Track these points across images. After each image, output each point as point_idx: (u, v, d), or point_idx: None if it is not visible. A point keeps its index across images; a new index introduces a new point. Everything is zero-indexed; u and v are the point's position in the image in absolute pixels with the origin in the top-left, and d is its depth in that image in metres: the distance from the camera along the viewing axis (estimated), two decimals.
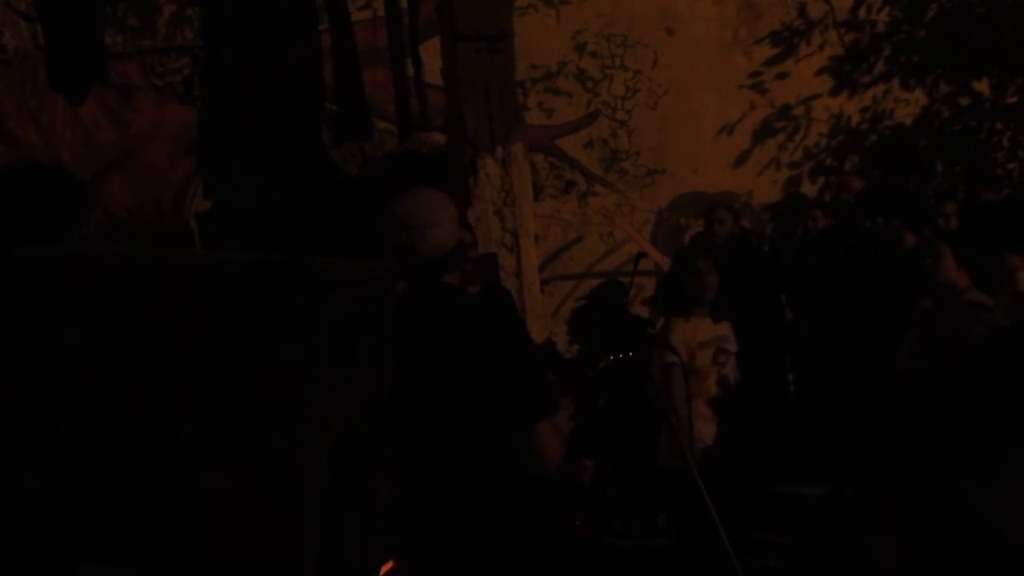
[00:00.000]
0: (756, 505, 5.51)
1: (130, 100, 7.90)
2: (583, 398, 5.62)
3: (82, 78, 7.59)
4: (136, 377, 1.57)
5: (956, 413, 1.44)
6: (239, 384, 1.57)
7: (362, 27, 8.09)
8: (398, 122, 8.05)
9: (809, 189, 8.40)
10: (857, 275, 5.99)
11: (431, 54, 7.63)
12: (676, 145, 8.30)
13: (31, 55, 7.55)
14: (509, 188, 6.73)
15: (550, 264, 8.08)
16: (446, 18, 6.76)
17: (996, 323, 4.92)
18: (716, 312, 4.81)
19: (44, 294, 1.59)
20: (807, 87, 8.47)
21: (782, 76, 8.41)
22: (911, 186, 7.11)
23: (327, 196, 7.76)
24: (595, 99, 8.31)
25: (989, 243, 5.08)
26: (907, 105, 8.58)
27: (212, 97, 7.92)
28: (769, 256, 7.43)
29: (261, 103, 7.65)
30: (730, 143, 8.37)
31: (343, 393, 2.10)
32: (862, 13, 8.59)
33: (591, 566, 4.78)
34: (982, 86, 8.63)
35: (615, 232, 8.34)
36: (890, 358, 4.90)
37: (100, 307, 1.55)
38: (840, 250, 6.28)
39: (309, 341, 1.61)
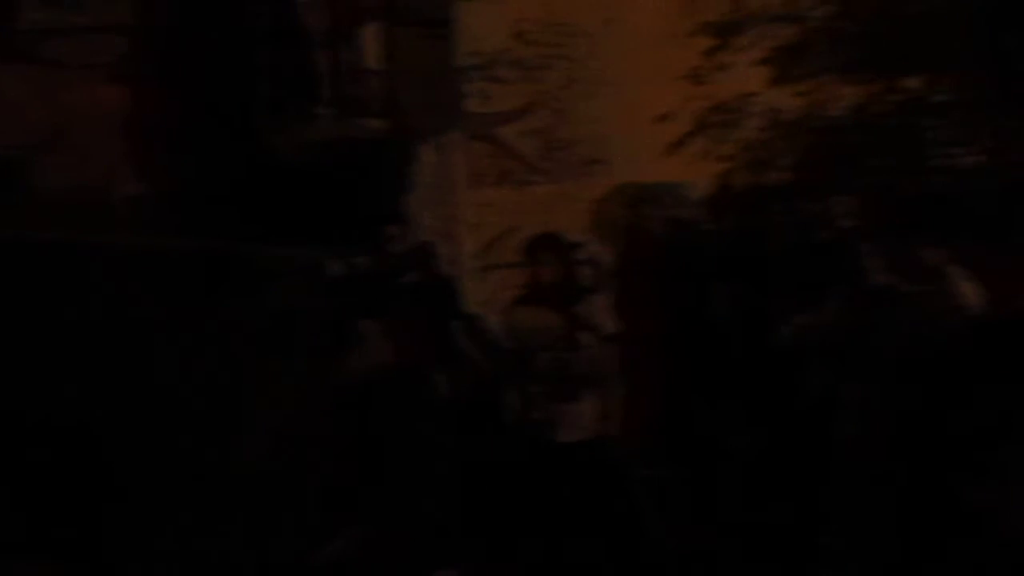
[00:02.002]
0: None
1: (60, 79, 7.72)
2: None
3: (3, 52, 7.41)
4: (64, 369, 1.53)
5: (945, 416, 1.48)
6: (172, 376, 1.54)
7: (303, 9, 8.01)
8: (336, 107, 7.97)
9: (745, 181, 8.50)
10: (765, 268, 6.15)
11: (370, 38, 7.57)
12: (614, 135, 8.34)
13: None
14: (447, 177, 6.74)
15: (486, 253, 8.08)
16: (386, 2, 6.73)
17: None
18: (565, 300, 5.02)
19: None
20: (745, 80, 8.55)
21: (720, 69, 8.48)
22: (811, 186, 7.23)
23: (263, 181, 7.68)
24: (534, 88, 8.31)
25: (911, 238, 5.24)
26: (840, 101, 8.70)
27: (147, 77, 7.79)
28: (702, 248, 7.53)
29: (196, 83, 7.54)
30: (668, 134, 8.43)
31: (280, 382, 2.09)
32: (799, 7, 8.71)
33: None
34: (914, 82, 8.78)
35: (552, 222, 8.35)
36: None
37: (24, 298, 1.52)
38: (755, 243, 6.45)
39: (244, 332, 1.59)
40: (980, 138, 8.64)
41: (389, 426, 4.06)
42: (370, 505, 3.95)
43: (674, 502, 5.39)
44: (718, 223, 8.38)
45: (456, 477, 4.16)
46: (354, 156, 7.42)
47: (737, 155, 8.57)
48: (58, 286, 1.38)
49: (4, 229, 2.43)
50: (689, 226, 8.34)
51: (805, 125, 8.68)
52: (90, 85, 7.80)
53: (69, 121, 7.75)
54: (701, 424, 6.70)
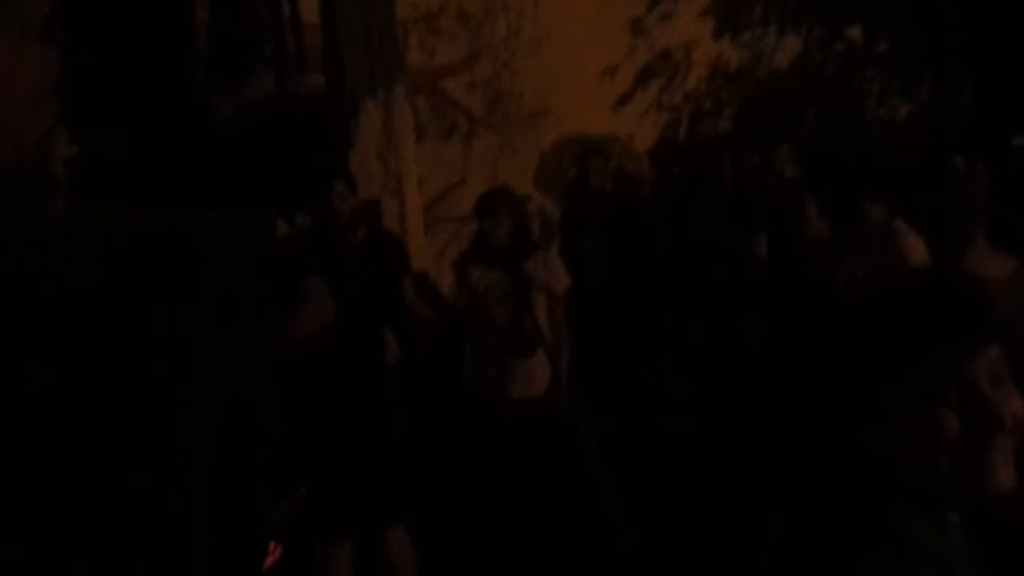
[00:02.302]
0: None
1: None
2: None
3: None
4: (13, 351, 1.48)
5: (840, 362, 1.50)
6: (123, 355, 1.50)
7: None
8: (275, 63, 7.81)
9: (689, 132, 8.50)
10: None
11: None
12: (559, 88, 8.28)
13: None
14: (391, 132, 6.64)
15: (434, 207, 8.01)
16: None
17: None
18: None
19: None
20: (688, 31, 8.52)
21: (663, 19, 8.44)
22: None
23: (201, 140, 7.51)
24: (478, 40, 8.21)
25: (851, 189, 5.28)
26: (783, 52, 8.72)
27: (75, 37, 7.55)
28: (649, 201, 7.53)
29: (129, 42, 7.33)
30: (612, 86, 8.39)
31: (230, 354, 2.04)
32: None
33: None
34: (855, 33, 8.82)
35: (498, 175, 8.30)
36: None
37: None
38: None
39: (191, 311, 1.55)
40: (918, 90, 8.72)
41: (338, 384, 4.01)
42: (321, 465, 3.93)
43: (618, 458, 5.44)
44: (663, 174, 8.39)
45: (407, 434, 4.15)
46: (295, 113, 7.28)
47: (681, 106, 8.56)
48: (19, 270, 1.34)
49: None
50: (635, 178, 8.33)
51: (748, 75, 8.69)
52: (16, 49, 7.56)
53: None
54: (643, 376, 6.76)
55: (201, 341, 1.64)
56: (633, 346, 6.95)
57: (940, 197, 6.31)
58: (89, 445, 1.56)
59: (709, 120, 8.33)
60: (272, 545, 3.67)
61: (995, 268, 4.09)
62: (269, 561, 3.79)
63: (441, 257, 7.90)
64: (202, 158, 7.25)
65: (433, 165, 8.13)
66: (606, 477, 4.39)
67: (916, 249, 4.94)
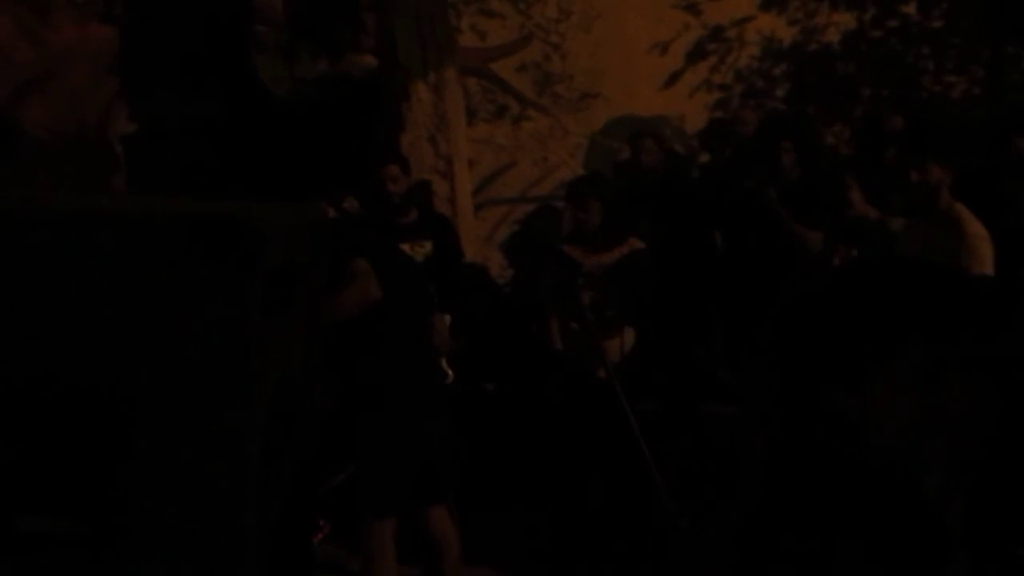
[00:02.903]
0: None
1: (48, 19, 7.62)
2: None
3: None
4: (74, 335, 1.57)
5: (825, 333, 1.52)
6: (178, 340, 1.57)
7: None
8: (328, 44, 7.89)
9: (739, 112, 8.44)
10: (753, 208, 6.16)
11: None
12: (609, 68, 8.27)
13: None
14: (442, 113, 6.69)
15: (484, 189, 8.06)
16: None
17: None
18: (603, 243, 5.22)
19: None
20: (740, 8, 8.46)
21: None
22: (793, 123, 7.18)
23: (257, 119, 7.63)
24: (528, 22, 8.23)
25: (912, 155, 5.17)
26: (836, 29, 8.63)
27: (135, 15, 7.69)
28: (697, 182, 7.50)
29: (186, 22, 7.45)
30: (663, 66, 8.36)
31: (279, 339, 2.11)
32: None
33: None
34: (909, 9, 8.70)
35: (548, 157, 8.33)
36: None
37: (27, 268, 1.54)
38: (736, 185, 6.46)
39: (247, 296, 1.62)
40: (974, 67, 8.59)
41: (385, 363, 4.09)
42: (368, 443, 4.01)
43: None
44: (715, 155, 8.35)
45: (452, 413, 4.24)
46: (348, 94, 7.37)
47: (733, 85, 8.51)
48: (62, 256, 1.40)
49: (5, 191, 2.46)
50: (686, 159, 8.31)
51: (800, 53, 8.62)
52: (78, 24, 7.71)
53: (58, 62, 7.68)
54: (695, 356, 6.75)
55: (255, 325, 1.71)
56: (683, 330, 6.94)
57: (1000, 179, 6.23)
58: (146, 426, 1.64)
59: (761, 99, 8.30)
60: (322, 522, 3.77)
61: None
62: (318, 536, 3.91)
63: (490, 240, 7.97)
64: (257, 136, 7.37)
65: (483, 147, 8.18)
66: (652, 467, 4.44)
67: (980, 236, 4.79)
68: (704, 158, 8.37)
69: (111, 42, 7.68)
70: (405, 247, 4.86)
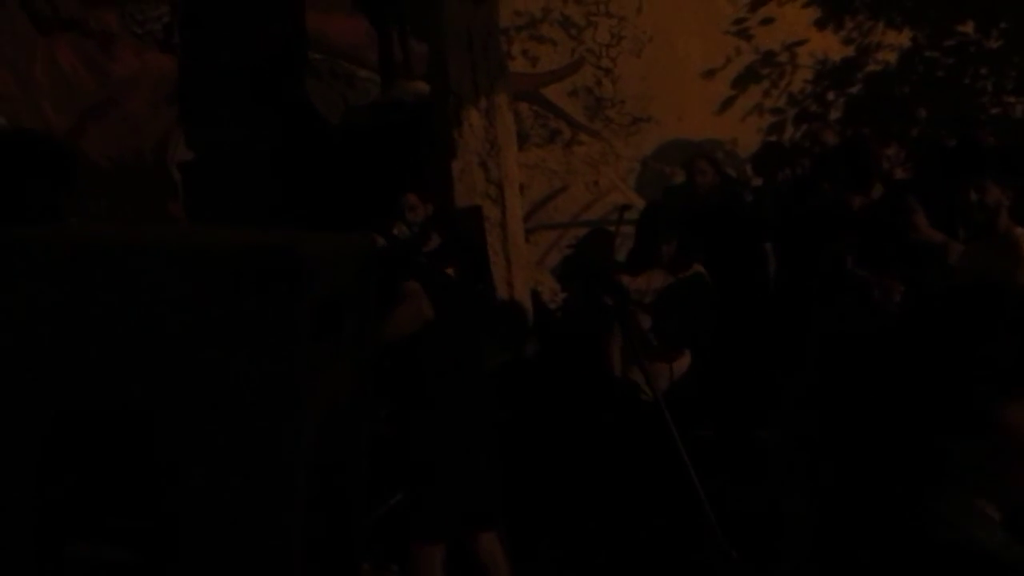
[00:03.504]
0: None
1: (109, 48, 7.80)
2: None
3: (54, 23, 7.49)
4: (123, 364, 1.59)
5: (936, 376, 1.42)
6: (225, 369, 1.59)
7: None
8: (381, 70, 7.98)
9: (793, 135, 8.40)
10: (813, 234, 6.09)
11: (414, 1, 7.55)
12: (661, 93, 8.27)
13: (6, 2, 7.44)
14: (493, 139, 6.71)
15: (535, 213, 8.08)
16: None
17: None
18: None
19: (28, 285, 1.60)
20: (792, 32, 8.43)
21: (766, 21, 8.37)
22: (855, 147, 7.10)
23: (310, 145, 7.72)
24: (580, 47, 8.26)
25: (970, 176, 5.08)
26: (891, 50, 8.56)
27: (192, 45, 7.84)
28: (752, 206, 7.44)
29: (242, 50, 7.58)
30: (715, 90, 8.34)
31: (329, 367, 2.13)
32: None
33: None
34: (967, 28, 8.60)
35: (600, 181, 8.34)
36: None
37: (84, 297, 1.57)
38: (798, 208, 6.38)
39: (293, 326, 1.64)
40: None
41: (434, 389, 4.10)
42: (417, 468, 4.03)
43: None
44: (768, 179, 8.29)
45: (500, 440, 4.23)
46: (399, 121, 7.42)
47: (786, 109, 8.47)
48: (111, 288, 1.43)
49: (63, 223, 2.51)
50: (739, 183, 8.26)
51: (854, 74, 8.55)
52: (137, 54, 7.88)
53: (119, 91, 7.85)
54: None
55: (303, 355, 1.73)
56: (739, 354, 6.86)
57: None
58: (192, 454, 1.66)
59: (814, 124, 8.22)
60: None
61: None
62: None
63: (542, 264, 7.98)
64: (311, 162, 7.45)
65: (535, 171, 8.21)
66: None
67: None
68: (757, 182, 8.33)
69: (169, 71, 7.84)
70: None
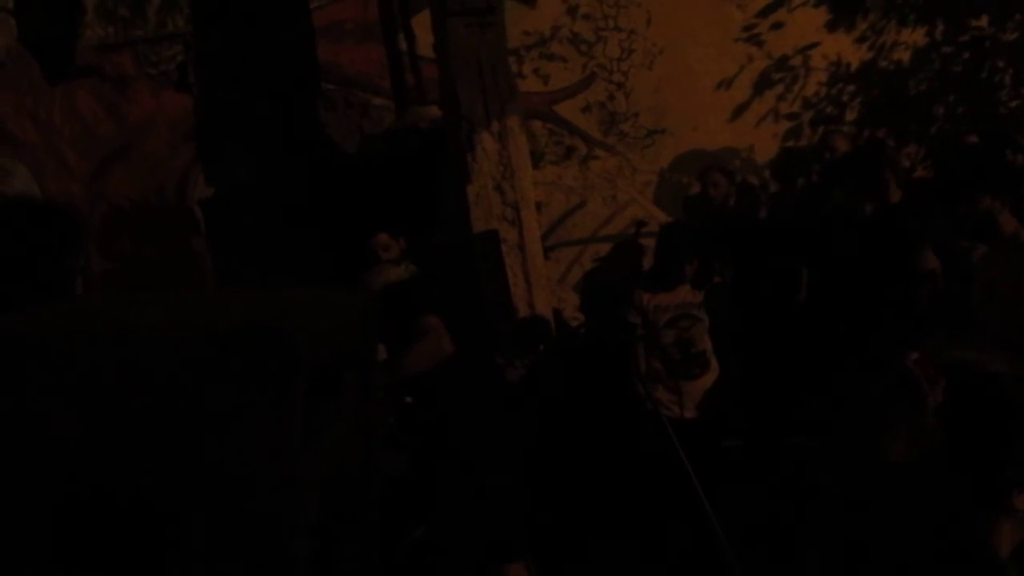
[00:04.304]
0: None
1: (126, 91, 7.90)
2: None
3: (70, 70, 7.60)
4: (125, 445, 1.63)
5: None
6: (222, 448, 1.62)
7: (352, 2, 8.06)
8: (394, 97, 8.03)
9: (810, 139, 8.36)
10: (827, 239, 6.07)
11: (423, 27, 7.59)
12: (674, 104, 8.25)
13: (24, 53, 7.55)
14: (507, 161, 6.72)
15: (554, 231, 8.09)
16: None
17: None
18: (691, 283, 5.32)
19: (29, 374, 1.64)
20: (804, 36, 8.39)
21: (777, 26, 8.33)
22: (870, 154, 7.06)
23: (328, 175, 7.78)
24: (591, 62, 8.26)
25: (968, 187, 5.07)
26: (905, 48, 8.49)
27: (207, 83, 7.92)
28: (770, 215, 7.42)
29: (256, 85, 7.66)
30: (729, 98, 8.31)
31: (331, 426, 2.15)
32: None
33: None
34: (981, 23, 8.52)
35: (618, 195, 8.33)
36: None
37: (84, 382, 1.61)
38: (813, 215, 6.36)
39: (285, 401, 1.66)
40: None
41: (455, 422, 4.13)
42: (439, 501, 4.05)
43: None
44: (786, 185, 8.27)
45: (524, 465, 4.25)
46: (414, 145, 7.47)
47: (801, 113, 8.42)
48: (108, 375, 1.47)
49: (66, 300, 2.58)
50: (757, 191, 8.24)
51: (869, 74, 8.49)
52: (153, 94, 7.97)
53: (137, 132, 7.95)
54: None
55: (295, 428, 1.75)
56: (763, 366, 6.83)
57: None
58: (190, 532, 1.68)
59: (833, 125, 8.19)
60: None
61: None
62: None
63: (563, 281, 7.99)
64: (329, 191, 7.51)
65: (552, 189, 8.22)
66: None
67: None
68: (775, 187, 8.30)
69: (186, 110, 7.93)
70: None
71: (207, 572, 1.69)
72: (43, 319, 1.76)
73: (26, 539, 1.70)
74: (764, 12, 8.31)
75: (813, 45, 8.41)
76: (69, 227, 2.84)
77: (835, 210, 6.09)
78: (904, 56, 8.53)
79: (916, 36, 8.52)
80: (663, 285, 5.44)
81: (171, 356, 1.66)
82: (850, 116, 8.43)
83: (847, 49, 8.49)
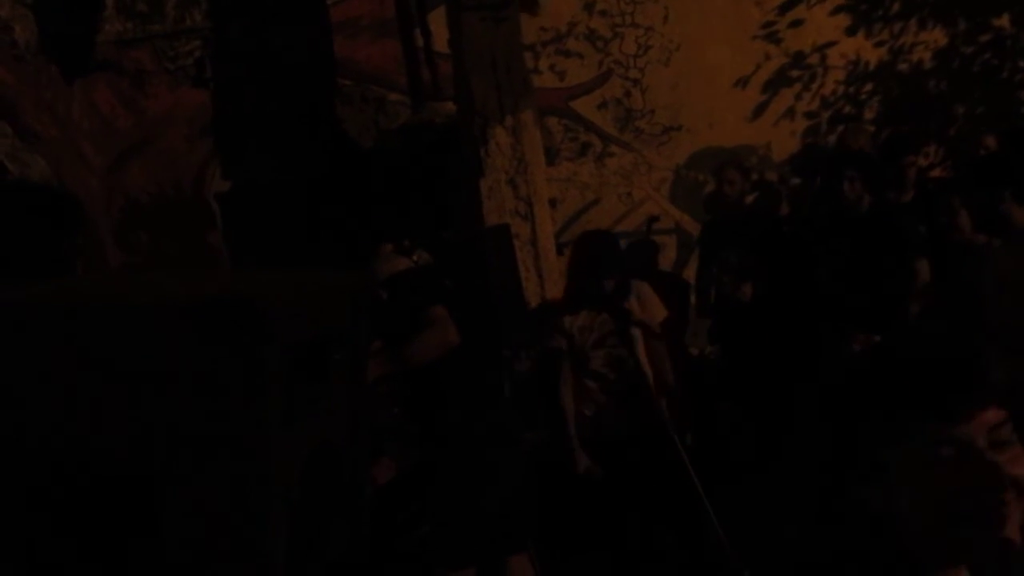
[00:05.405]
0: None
1: (144, 86, 7.96)
2: None
3: (89, 65, 7.66)
4: (98, 416, 1.64)
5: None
6: (195, 419, 1.63)
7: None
8: (410, 93, 8.05)
9: (829, 138, 8.31)
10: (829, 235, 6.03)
11: (439, 23, 7.60)
12: (691, 101, 8.23)
13: (44, 48, 7.62)
14: (521, 156, 6.72)
15: (569, 227, 8.08)
16: None
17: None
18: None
19: (4, 340, 1.66)
20: (822, 34, 8.34)
21: (795, 24, 8.29)
22: (865, 150, 7.00)
23: (344, 170, 7.80)
24: (607, 59, 8.25)
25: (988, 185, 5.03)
26: (925, 47, 8.43)
27: (224, 78, 7.96)
28: (789, 214, 7.39)
29: (273, 80, 7.68)
30: (745, 96, 8.28)
31: (316, 405, 2.15)
32: None
33: None
34: (1002, 22, 8.45)
35: (633, 192, 8.32)
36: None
37: (58, 352, 1.62)
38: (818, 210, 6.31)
39: (259, 373, 1.66)
40: None
41: (459, 411, 4.11)
42: (443, 491, 4.04)
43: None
44: (805, 183, 8.22)
45: (528, 461, 4.24)
46: (429, 141, 7.47)
47: (819, 112, 8.38)
48: (84, 345, 1.48)
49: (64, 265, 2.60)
50: (775, 188, 8.20)
51: (888, 74, 8.43)
52: (171, 89, 8.03)
53: (155, 127, 8.01)
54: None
55: (271, 399, 1.75)
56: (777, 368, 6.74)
57: None
58: (164, 504, 1.69)
59: (854, 126, 8.13)
60: None
61: None
62: None
63: None
64: (345, 186, 7.53)
65: (568, 185, 8.21)
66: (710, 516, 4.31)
67: None
68: (795, 182, 8.25)
69: (203, 105, 7.97)
70: None
71: (179, 548, 1.70)
72: (18, 292, 1.78)
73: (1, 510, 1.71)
74: (782, 9, 8.27)
75: (831, 44, 8.36)
76: (68, 210, 2.86)
77: (838, 207, 6.05)
78: (924, 56, 8.47)
79: (936, 35, 8.46)
80: (584, 304, 5.05)
81: (143, 326, 1.67)
82: (868, 115, 8.37)
83: (865, 48, 8.44)
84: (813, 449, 4.41)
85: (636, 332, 4.89)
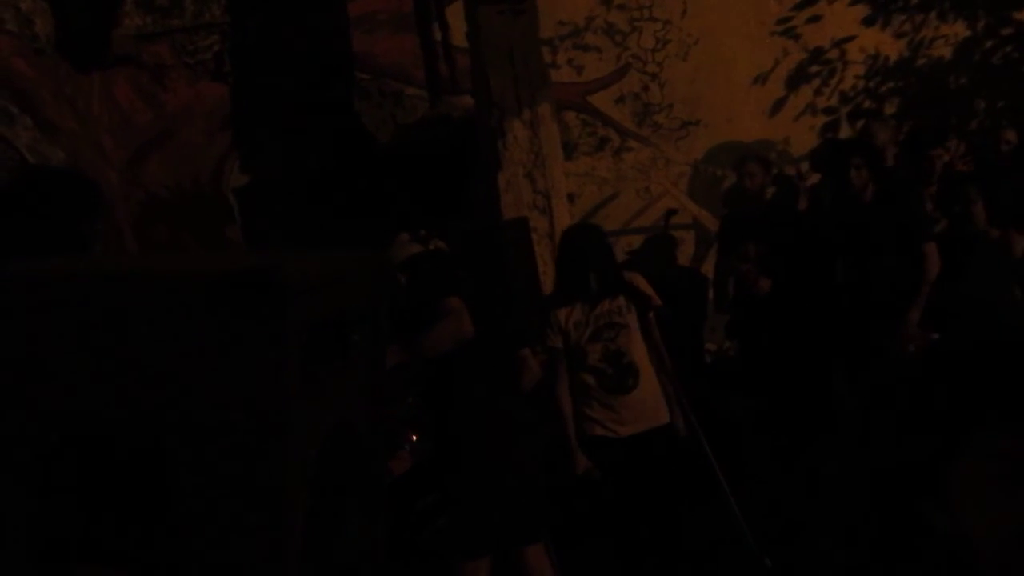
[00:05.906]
0: None
1: (163, 80, 7.98)
2: None
3: (109, 59, 7.69)
4: (119, 389, 1.64)
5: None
6: (216, 391, 1.63)
7: None
8: (428, 87, 8.05)
9: (848, 133, 8.27)
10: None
11: (457, 17, 7.59)
12: (709, 96, 8.20)
13: (64, 41, 7.66)
14: (538, 150, 6.71)
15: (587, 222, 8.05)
16: None
17: None
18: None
19: (28, 314, 1.66)
20: (840, 29, 8.30)
21: (814, 19, 8.25)
22: (867, 140, 6.96)
23: (362, 164, 7.81)
24: (625, 53, 8.22)
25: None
26: (945, 41, 8.38)
27: (243, 72, 7.98)
28: (809, 208, 7.35)
29: (292, 75, 7.70)
30: (764, 91, 8.24)
31: (335, 385, 2.15)
32: None
33: None
34: (1023, 16, 8.40)
35: (651, 187, 8.30)
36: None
37: (81, 325, 1.63)
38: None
39: (279, 346, 1.66)
40: None
41: (474, 401, 4.09)
42: (460, 482, 4.03)
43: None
44: (824, 177, 8.17)
45: (543, 451, 4.22)
46: (447, 134, 7.48)
47: (839, 107, 8.34)
48: (106, 316, 1.49)
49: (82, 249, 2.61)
50: (793, 182, 8.15)
51: (908, 68, 8.38)
52: (190, 83, 8.05)
53: (174, 121, 8.04)
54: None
55: (290, 372, 1.75)
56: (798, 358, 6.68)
57: None
58: (186, 475, 1.69)
59: (873, 120, 8.08)
60: None
61: None
62: None
63: None
64: (363, 180, 7.54)
65: (585, 180, 8.19)
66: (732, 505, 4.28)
67: None
68: (814, 179, 8.20)
69: (222, 99, 8.00)
70: None
71: (200, 518, 1.70)
72: (44, 267, 1.78)
73: (18, 479, 1.72)
74: (800, 4, 8.24)
75: (850, 38, 8.32)
76: (88, 194, 2.87)
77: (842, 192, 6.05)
78: (944, 51, 8.42)
79: (957, 29, 8.41)
80: (575, 298, 4.94)
81: (163, 298, 1.67)
82: (888, 110, 8.33)
83: (885, 42, 8.39)
84: (860, 453, 4.37)
85: (631, 320, 4.84)
